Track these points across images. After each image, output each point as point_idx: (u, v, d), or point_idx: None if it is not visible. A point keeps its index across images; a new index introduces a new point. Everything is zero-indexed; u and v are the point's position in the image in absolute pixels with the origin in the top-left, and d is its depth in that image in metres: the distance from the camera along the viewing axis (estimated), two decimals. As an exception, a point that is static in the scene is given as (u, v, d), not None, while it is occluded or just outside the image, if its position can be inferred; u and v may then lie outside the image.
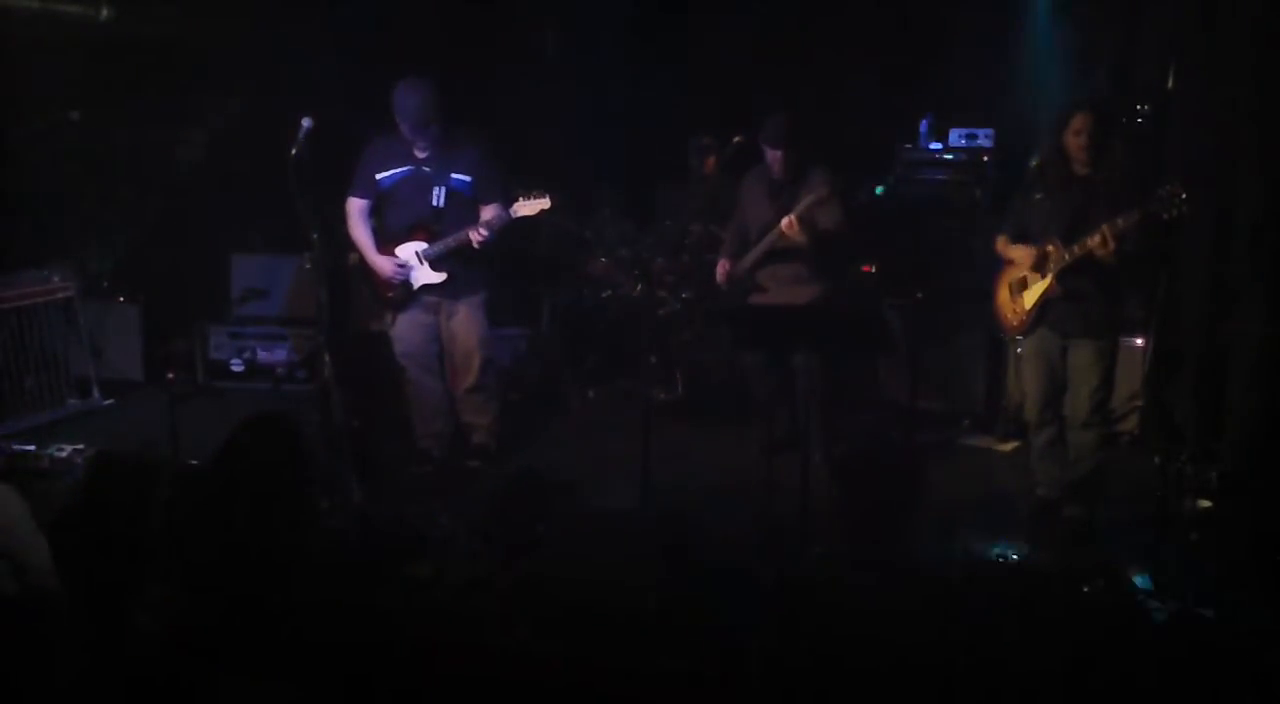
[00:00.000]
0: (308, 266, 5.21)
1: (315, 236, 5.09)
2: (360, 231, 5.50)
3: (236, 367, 7.22)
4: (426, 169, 5.40)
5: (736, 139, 5.11)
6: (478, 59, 7.17)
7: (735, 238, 5.73)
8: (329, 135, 5.09)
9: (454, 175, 5.40)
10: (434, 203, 5.41)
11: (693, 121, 7.15)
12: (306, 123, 5.00)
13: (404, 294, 5.49)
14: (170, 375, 5.51)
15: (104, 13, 7.18)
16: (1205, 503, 4.84)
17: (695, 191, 6.90)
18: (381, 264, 5.44)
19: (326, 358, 5.23)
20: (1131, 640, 3.59)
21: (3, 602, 3.18)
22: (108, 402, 6.81)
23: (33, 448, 5.38)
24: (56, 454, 5.31)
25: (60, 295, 6.72)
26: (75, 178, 7.51)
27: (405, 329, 5.57)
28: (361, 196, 5.50)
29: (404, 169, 5.42)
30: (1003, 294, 4.99)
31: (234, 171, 7.36)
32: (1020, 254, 4.88)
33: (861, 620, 2.65)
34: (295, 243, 5.63)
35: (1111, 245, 4.48)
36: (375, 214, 5.55)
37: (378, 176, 5.44)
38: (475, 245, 5.34)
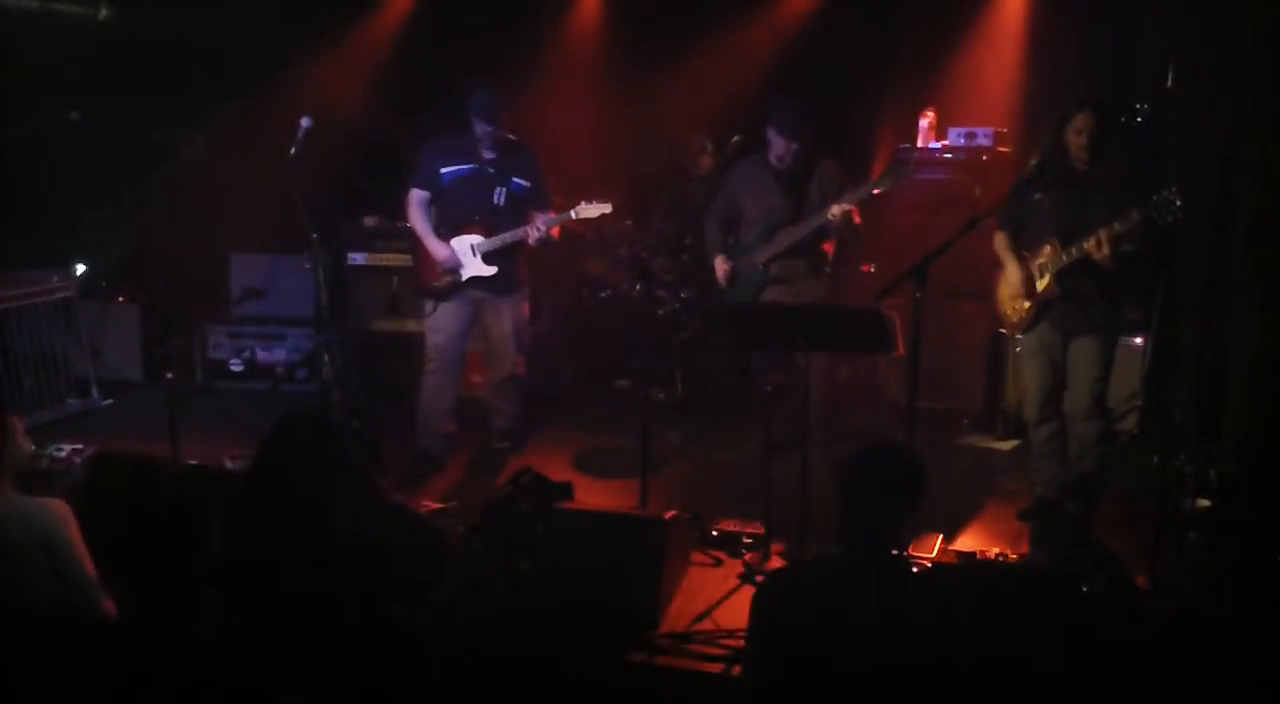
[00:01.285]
0: (307, 267, 5.19)
1: (315, 236, 5.09)
2: (419, 219, 5.64)
3: (235, 366, 7.22)
4: (491, 170, 5.58)
5: (735, 139, 5.11)
6: (476, 60, 7.16)
7: (721, 230, 5.68)
8: (330, 136, 5.09)
9: (515, 179, 5.62)
10: (495, 201, 5.60)
11: (691, 121, 7.16)
12: (306, 123, 5.00)
13: (451, 284, 5.61)
14: (169, 375, 5.50)
15: (104, 13, 7.19)
16: (1205, 503, 4.83)
17: (694, 191, 6.90)
18: (438, 248, 5.57)
19: (326, 358, 5.23)
20: (1131, 640, 3.59)
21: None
22: (107, 401, 6.81)
23: (32, 448, 5.36)
24: (56, 454, 5.31)
25: (60, 295, 6.72)
26: (75, 178, 7.51)
27: (444, 319, 5.67)
28: (423, 188, 5.65)
29: (468, 166, 5.59)
30: (1003, 291, 5.00)
31: (234, 171, 7.35)
32: (1012, 269, 4.90)
33: (861, 620, 2.65)
34: (295, 243, 5.62)
35: (1106, 250, 4.50)
36: (433, 205, 5.68)
37: (441, 171, 5.60)
38: (531, 243, 5.55)
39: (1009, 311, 4.98)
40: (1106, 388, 4.92)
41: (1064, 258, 4.65)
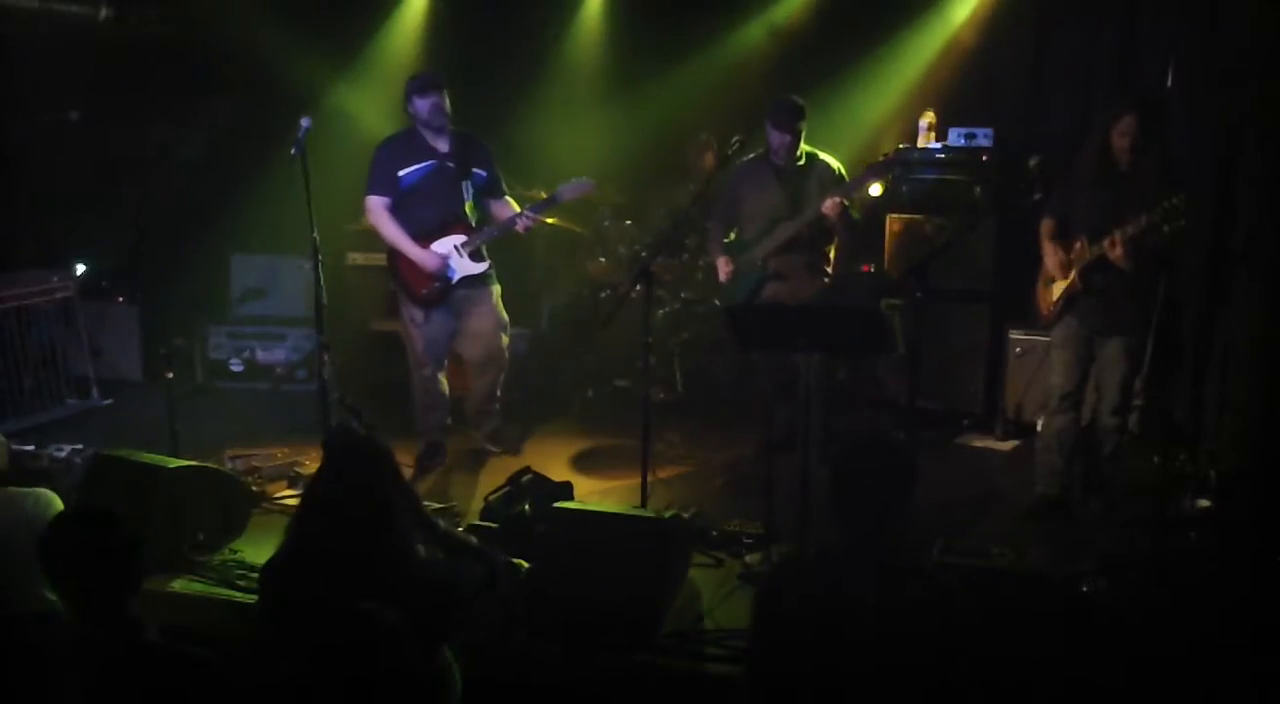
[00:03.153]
0: (307, 266, 5.18)
1: (315, 236, 5.09)
2: (393, 229, 5.42)
3: (235, 366, 7.21)
4: (450, 164, 5.44)
5: (735, 139, 5.11)
6: (476, 59, 7.17)
7: (724, 229, 5.74)
8: (330, 136, 5.08)
9: (475, 170, 5.51)
10: (464, 196, 5.48)
11: (692, 121, 7.16)
12: (305, 123, 4.99)
13: (441, 290, 5.48)
14: (169, 375, 5.50)
15: (104, 13, 7.19)
16: (1205, 503, 4.84)
17: (694, 190, 6.89)
18: (427, 258, 5.40)
19: (325, 358, 5.23)
20: (1131, 640, 3.59)
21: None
22: (107, 401, 6.80)
23: (32, 448, 5.37)
24: (56, 454, 5.30)
25: (60, 295, 6.72)
26: (75, 178, 7.51)
27: (436, 328, 5.57)
28: (382, 194, 5.43)
29: (427, 164, 5.42)
30: (1042, 282, 5.04)
31: (234, 171, 7.35)
32: (1048, 253, 4.93)
33: (861, 620, 2.65)
34: (295, 243, 5.61)
35: (1119, 251, 4.53)
36: (395, 212, 5.47)
37: (399, 173, 5.41)
38: (522, 232, 5.51)
39: (1042, 303, 5.02)
40: (1134, 383, 4.94)
41: (1088, 255, 4.70)
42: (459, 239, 5.44)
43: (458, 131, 5.49)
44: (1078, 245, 4.78)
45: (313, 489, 3.22)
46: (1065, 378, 4.96)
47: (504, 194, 5.67)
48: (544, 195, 5.64)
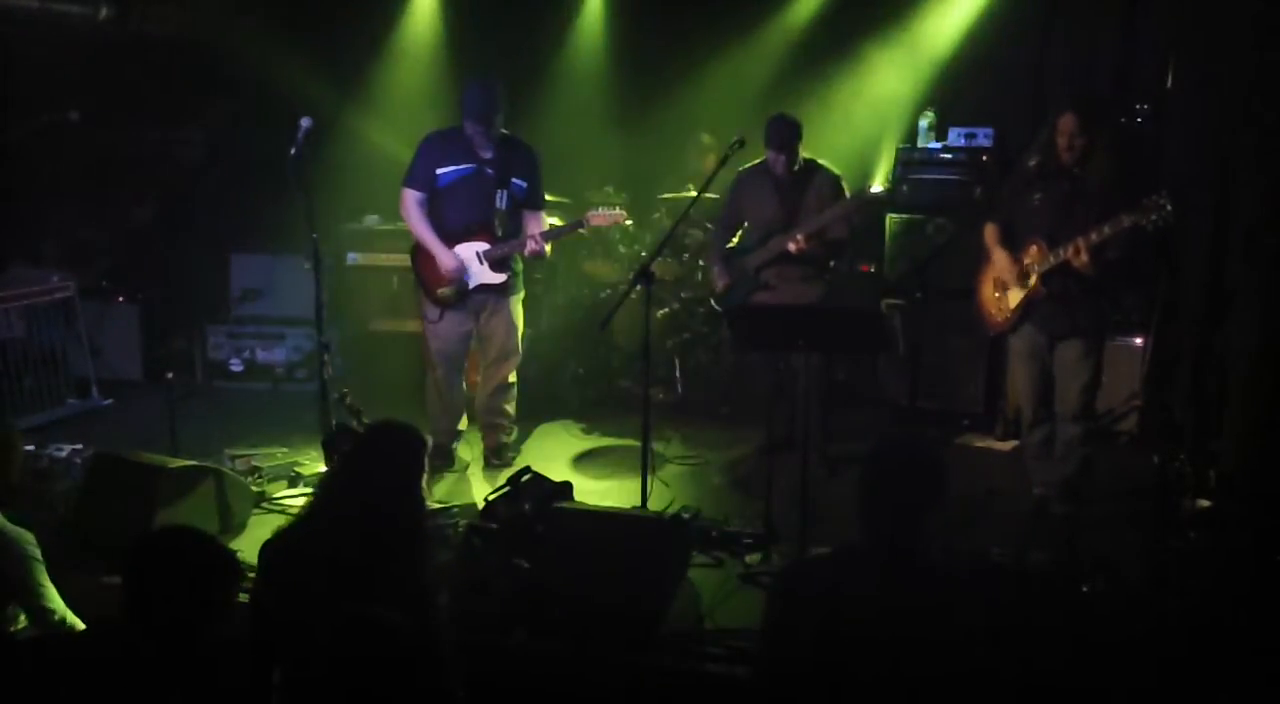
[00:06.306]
0: (307, 266, 5.18)
1: (315, 236, 5.08)
2: (421, 224, 5.41)
3: (235, 366, 7.21)
4: (490, 171, 5.38)
5: (735, 141, 5.11)
6: (477, 59, 7.17)
7: (725, 236, 5.76)
8: (330, 137, 5.08)
9: (514, 179, 5.43)
10: (498, 204, 5.41)
11: (693, 123, 7.16)
12: (306, 123, 4.99)
13: (458, 292, 5.44)
14: (169, 375, 5.50)
15: (104, 13, 7.19)
16: (1205, 503, 4.83)
17: (694, 191, 6.89)
18: (447, 258, 5.37)
19: (325, 358, 5.22)
20: (1131, 640, 3.59)
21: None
22: (107, 401, 6.80)
23: (32, 448, 5.37)
24: (56, 454, 5.30)
25: (60, 295, 6.71)
26: (75, 178, 7.51)
27: (449, 328, 5.53)
28: (417, 189, 5.40)
29: (466, 166, 5.37)
30: (986, 291, 5.00)
31: (234, 171, 7.35)
32: (1000, 258, 4.90)
33: (861, 620, 2.64)
34: (295, 243, 5.61)
35: (1085, 257, 4.52)
36: (426, 208, 5.44)
37: (438, 171, 5.38)
38: (526, 255, 5.43)
39: (993, 311, 4.99)
40: (1096, 391, 4.92)
41: (1051, 259, 4.67)
42: (481, 246, 5.39)
43: (507, 137, 5.40)
44: (1033, 249, 4.74)
45: (341, 466, 3.20)
46: (1034, 390, 4.96)
47: (540, 207, 5.59)
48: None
